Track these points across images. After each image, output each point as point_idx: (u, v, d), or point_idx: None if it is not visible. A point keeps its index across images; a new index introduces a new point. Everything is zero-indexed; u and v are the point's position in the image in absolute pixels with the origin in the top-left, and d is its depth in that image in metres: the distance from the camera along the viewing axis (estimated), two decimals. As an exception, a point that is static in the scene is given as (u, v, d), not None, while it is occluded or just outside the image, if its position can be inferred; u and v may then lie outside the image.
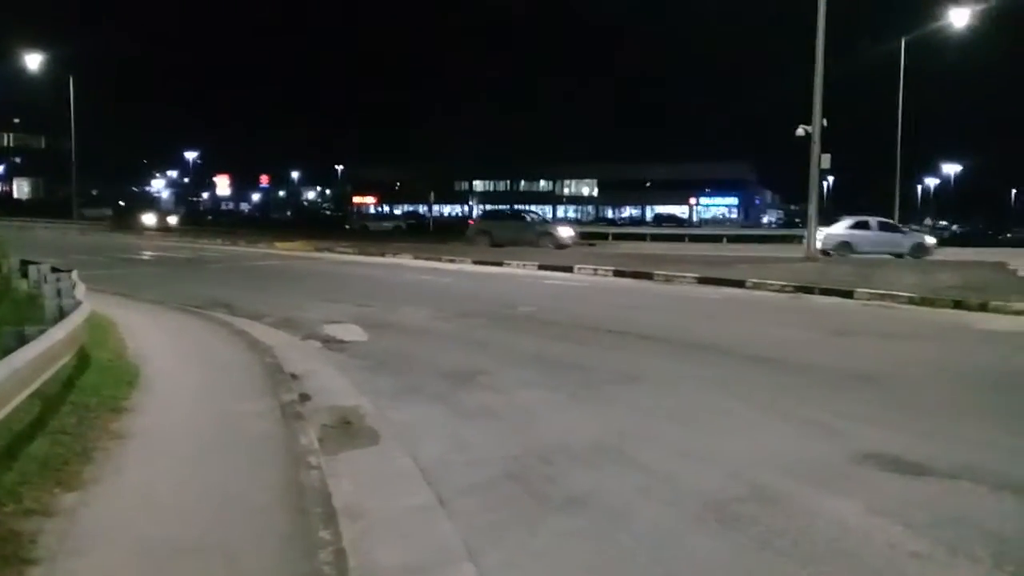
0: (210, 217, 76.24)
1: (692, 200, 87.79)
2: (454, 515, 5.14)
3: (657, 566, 4.48)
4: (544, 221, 41.89)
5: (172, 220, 55.84)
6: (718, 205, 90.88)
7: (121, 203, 77.09)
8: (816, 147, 26.72)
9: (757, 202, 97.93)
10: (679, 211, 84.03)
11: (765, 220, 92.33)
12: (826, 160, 27.59)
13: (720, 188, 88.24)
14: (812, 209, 27.67)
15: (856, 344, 12.16)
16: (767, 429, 7.31)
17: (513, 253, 29.29)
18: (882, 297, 17.20)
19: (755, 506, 5.30)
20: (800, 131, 27.05)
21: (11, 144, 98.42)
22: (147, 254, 30.67)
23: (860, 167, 77.71)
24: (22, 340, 6.62)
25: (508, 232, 36.01)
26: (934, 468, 6.12)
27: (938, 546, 4.70)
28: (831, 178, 78.43)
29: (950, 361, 11.06)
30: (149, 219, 54.09)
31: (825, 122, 26.77)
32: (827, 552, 4.65)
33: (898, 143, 47.70)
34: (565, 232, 37.39)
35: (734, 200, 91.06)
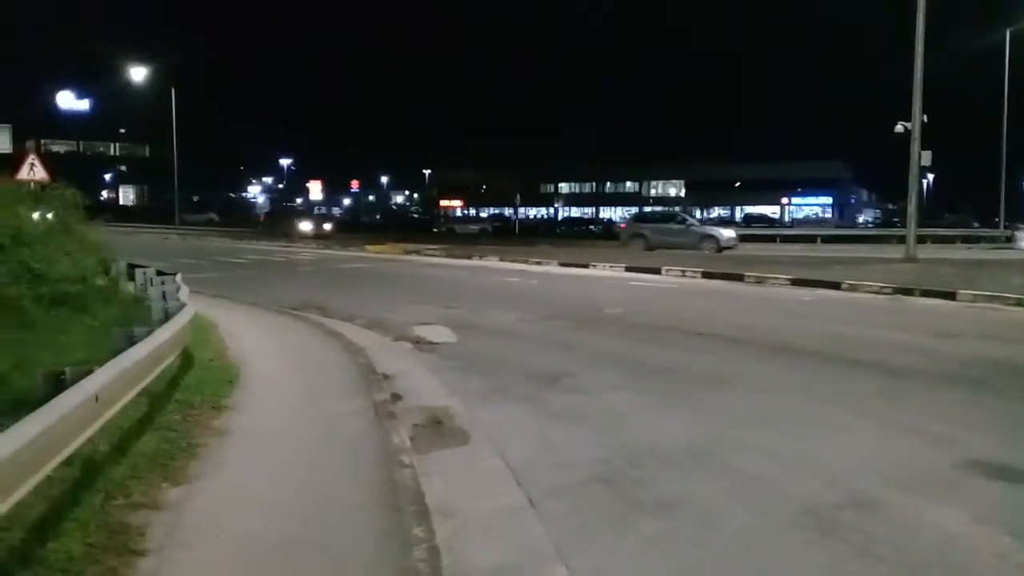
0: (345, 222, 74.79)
1: (784, 200, 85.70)
2: (544, 516, 5.15)
3: (751, 571, 4.40)
4: (701, 222, 39.72)
5: (327, 227, 53.59)
6: (811, 204, 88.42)
7: (271, 213, 76.63)
8: (916, 144, 25.71)
9: (852, 201, 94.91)
10: (770, 211, 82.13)
11: (861, 219, 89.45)
12: (927, 157, 26.54)
13: (813, 187, 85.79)
14: (912, 208, 26.65)
15: (959, 347, 11.66)
16: (866, 435, 7.09)
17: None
18: (988, 299, 16.46)
19: (854, 513, 5.14)
20: (899, 127, 26.10)
21: (117, 153, 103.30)
22: (244, 258, 31.70)
23: (963, 164, 74.68)
24: (131, 341, 6.94)
25: (665, 236, 33.65)
26: (1046, 477, 5.84)
27: (1051, 559, 4.48)
28: (931, 176, 75.41)
29: (1063, 366, 10.50)
30: (305, 226, 51.78)
31: (925, 118, 25.76)
32: (931, 562, 4.49)
33: (1003, 138, 45.65)
34: (727, 234, 34.88)
35: (828, 199, 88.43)
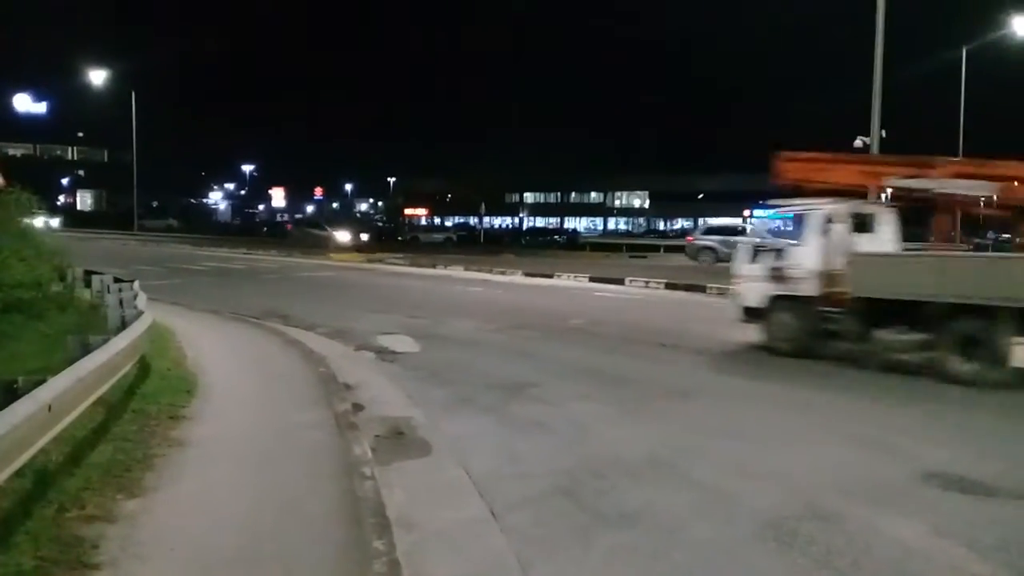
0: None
1: (746, 212, 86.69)
2: (506, 528, 5.13)
3: (712, 584, 4.41)
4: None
5: (364, 237, 48.90)
6: (774, 216, 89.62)
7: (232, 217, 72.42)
8: (874, 158, 26.18)
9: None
10: (733, 222, 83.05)
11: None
12: (885, 171, 27.02)
13: (776, 198, 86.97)
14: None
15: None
16: (825, 447, 7.17)
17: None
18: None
19: (814, 525, 5.19)
20: (858, 142, 26.55)
21: (75, 157, 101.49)
22: (205, 265, 31.26)
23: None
24: (86, 349, 6.80)
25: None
26: (1000, 488, 5.94)
27: (1004, 569, 4.56)
28: (890, 189, 76.74)
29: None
30: (342, 236, 45.99)
31: (884, 133, 26.21)
32: (888, 573, 4.54)
33: (960, 154, 46.61)
34: None
35: (789, 212, 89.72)
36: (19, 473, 4.70)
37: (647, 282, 23.68)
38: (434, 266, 30.66)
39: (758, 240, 13.62)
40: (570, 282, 25.18)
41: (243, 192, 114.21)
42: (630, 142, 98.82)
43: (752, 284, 12.67)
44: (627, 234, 77.80)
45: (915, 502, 5.70)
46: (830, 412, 8.41)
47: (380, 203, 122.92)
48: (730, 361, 11.36)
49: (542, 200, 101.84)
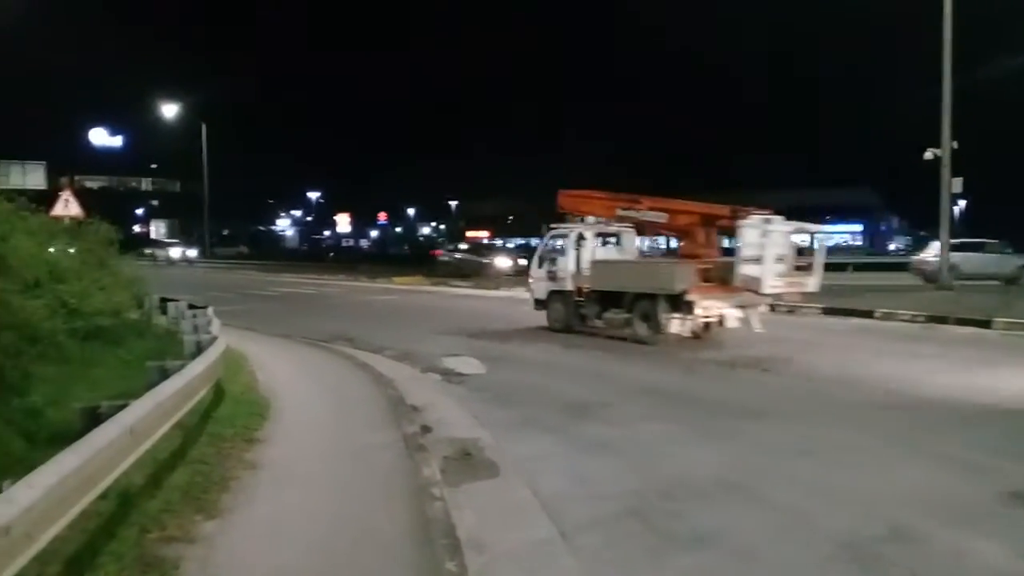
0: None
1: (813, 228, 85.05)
2: (576, 550, 5.10)
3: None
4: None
5: (523, 262, 42.58)
6: (841, 232, 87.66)
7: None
8: (946, 170, 25.44)
9: (883, 229, 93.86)
10: (799, 240, 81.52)
11: (892, 247, 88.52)
12: (957, 184, 26.22)
13: (842, 215, 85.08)
14: (944, 235, 26.26)
15: (997, 376, 11.46)
16: (904, 466, 6.96)
17: None
18: (1024, 326, 16.16)
19: (894, 547, 5.04)
20: (928, 154, 25.84)
21: (149, 188, 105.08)
22: (274, 291, 31.94)
23: (997, 189, 73.77)
24: (165, 374, 7.01)
25: (978, 266, 27.81)
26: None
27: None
28: (963, 202, 74.52)
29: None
30: (502, 262, 41.79)
31: (956, 144, 25.50)
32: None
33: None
34: None
35: (858, 227, 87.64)
36: (103, 495, 4.85)
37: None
38: (498, 288, 30.77)
39: (542, 251, 18.62)
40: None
41: (309, 218, 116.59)
42: (692, 159, 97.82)
43: (539, 283, 17.97)
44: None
45: (999, 522, 5.50)
46: (908, 429, 8.16)
47: (442, 226, 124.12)
48: (800, 379, 11.11)
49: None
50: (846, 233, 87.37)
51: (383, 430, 8.18)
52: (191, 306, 14.35)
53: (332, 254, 74.37)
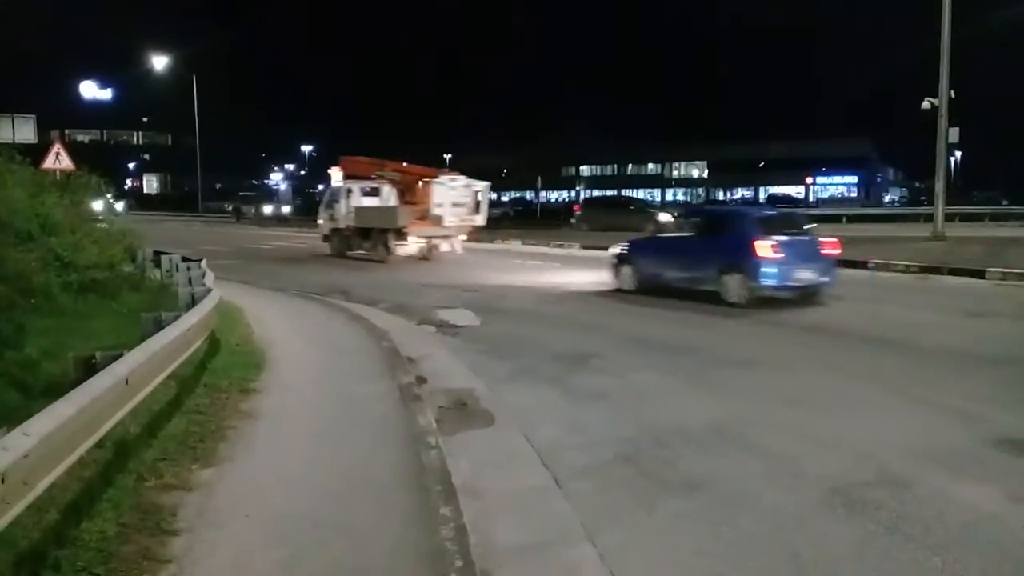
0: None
1: (808, 179, 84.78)
2: (570, 496, 5.16)
3: (780, 549, 4.38)
4: None
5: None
6: (836, 184, 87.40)
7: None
8: (943, 120, 25.32)
9: (879, 180, 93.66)
10: (794, 191, 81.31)
11: (887, 199, 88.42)
12: (954, 134, 26.16)
13: (839, 166, 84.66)
14: (940, 186, 26.24)
15: (989, 325, 11.54)
16: (895, 413, 7.03)
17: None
18: (1018, 277, 16.22)
19: (884, 491, 5.11)
20: (926, 104, 25.67)
21: (140, 142, 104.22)
22: (268, 244, 31.84)
23: (993, 140, 73.53)
24: (159, 325, 7.01)
25: None
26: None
27: (1086, 537, 4.43)
28: (959, 153, 74.24)
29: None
30: (665, 217, 32.65)
31: (953, 93, 25.33)
32: (960, 538, 4.45)
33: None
34: None
35: (854, 179, 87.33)
36: (99, 444, 4.88)
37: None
38: (491, 241, 30.71)
39: (326, 201, 27.02)
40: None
41: (303, 173, 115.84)
42: (688, 111, 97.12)
43: (324, 223, 26.56)
44: (685, 205, 76.71)
45: (987, 467, 5.57)
46: (895, 377, 8.23)
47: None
48: (793, 329, 11.17)
49: (599, 173, 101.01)
50: (841, 185, 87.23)
51: (378, 380, 8.22)
52: (184, 259, 14.31)
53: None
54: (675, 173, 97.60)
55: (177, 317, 7.39)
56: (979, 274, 16.77)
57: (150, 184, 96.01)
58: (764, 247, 13.01)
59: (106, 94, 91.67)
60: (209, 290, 9.48)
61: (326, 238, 26.41)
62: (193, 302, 8.96)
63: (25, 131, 21.12)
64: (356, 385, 8.07)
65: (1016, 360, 9.05)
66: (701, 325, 11.74)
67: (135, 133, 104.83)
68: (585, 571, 4.22)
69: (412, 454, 5.82)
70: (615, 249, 15.98)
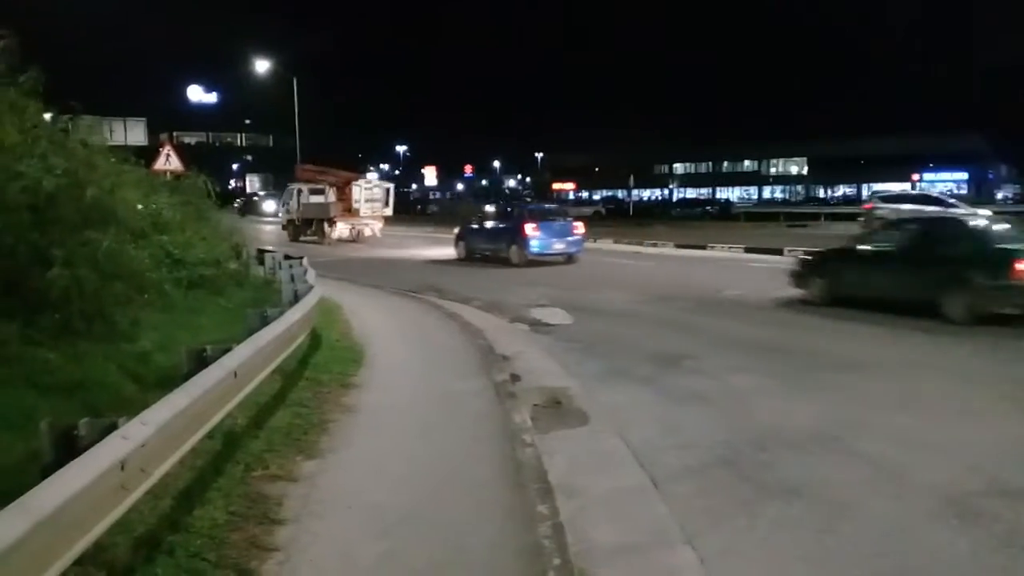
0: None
1: (915, 176, 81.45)
2: (668, 498, 5.10)
3: (885, 559, 4.23)
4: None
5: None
6: (945, 181, 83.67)
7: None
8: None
9: (991, 177, 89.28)
10: (900, 188, 78.29)
11: (1000, 196, 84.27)
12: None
13: (947, 162, 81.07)
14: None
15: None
16: (1011, 420, 6.70)
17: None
18: None
19: (997, 501, 4.88)
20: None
21: (243, 143, 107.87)
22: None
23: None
24: (264, 321, 7.23)
25: None
26: None
27: None
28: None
29: None
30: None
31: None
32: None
33: None
34: None
35: (963, 175, 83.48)
36: (209, 435, 5.08)
37: (806, 251, 22.73)
38: (594, 240, 30.57)
39: (283, 198, 34.98)
40: (724, 253, 24.59)
41: (397, 172, 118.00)
42: (788, 107, 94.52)
43: (284, 215, 34.59)
44: (784, 203, 74.74)
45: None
46: (1015, 383, 7.83)
47: (528, 179, 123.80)
48: (900, 330, 10.73)
49: (692, 171, 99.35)
50: (950, 182, 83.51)
51: (474, 377, 8.30)
52: (287, 257, 14.73)
53: (419, 207, 75.00)
54: (772, 170, 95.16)
55: (281, 313, 7.61)
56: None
57: (253, 184, 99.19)
58: (529, 228, 21.17)
59: (211, 97, 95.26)
60: (311, 287, 9.74)
61: (284, 227, 34.27)
62: (296, 299, 9.22)
63: (137, 133, 22.12)
64: (452, 382, 8.17)
65: None
66: (794, 326, 11.42)
67: (239, 135, 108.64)
68: (685, 575, 4.16)
69: (508, 451, 5.86)
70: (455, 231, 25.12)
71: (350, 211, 31.51)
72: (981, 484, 5.20)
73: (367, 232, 31.99)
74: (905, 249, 12.63)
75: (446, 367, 8.96)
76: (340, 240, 30.95)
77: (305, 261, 12.95)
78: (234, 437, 5.66)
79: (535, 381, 8.29)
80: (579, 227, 22.51)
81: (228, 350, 5.64)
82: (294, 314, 7.77)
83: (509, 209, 25.65)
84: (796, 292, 13.74)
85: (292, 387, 7.24)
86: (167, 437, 4.12)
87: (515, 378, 8.35)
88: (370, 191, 32.61)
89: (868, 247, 13.48)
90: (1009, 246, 11.56)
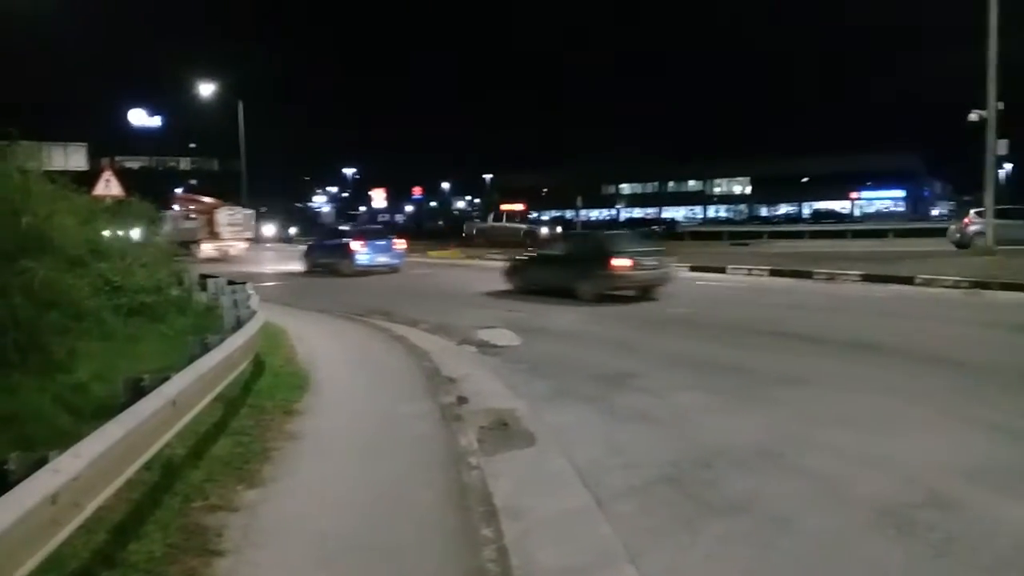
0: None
1: (853, 194, 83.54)
2: (613, 518, 5.12)
3: (825, 572, 4.31)
4: None
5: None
6: (882, 199, 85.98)
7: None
8: (991, 132, 24.85)
9: (926, 194, 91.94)
10: (839, 206, 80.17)
11: (935, 213, 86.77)
12: (1003, 146, 25.61)
13: (884, 180, 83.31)
14: (989, 199, 25.71)
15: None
16: (944, 432, 6.88)
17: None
18: (1072, 291, 15.79)
19: (933, 512, 5.00)
20: (973, 116, 25.21)
21: (188, 167, 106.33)
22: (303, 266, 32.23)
23: (1043, 152, 71.83)
24: (205, 348, 7.11)
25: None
26: None
27: None
28: (1008, 166, 72.56)
29: None
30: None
31: (1001, 105, 24.85)
32: (1012, 560, 4.35)
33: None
34: None
35: (900, 193, 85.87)
36: (147, 466, 4.97)
37: (750, 269, 23.17)
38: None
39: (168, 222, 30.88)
40: (670, 272, 24.86)
41: (345, 195, 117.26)
42: (731, 128, 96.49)
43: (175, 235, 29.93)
44: (728, 222, 76.04)
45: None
46: (948, 395, 8.06)
47: (477, 200, 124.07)
48: (840, 347, 10.99)
49: (639, 190, 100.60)
50: (887, 199, 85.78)
51: (420, 401, 8.26)
52: (230, 282, 14.53)
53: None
54: (717, 190, 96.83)
55: (223, 339, 7.50)
56: (1031, 288, 16.35)
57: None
58: (355, 245, 26.12)
59: (155, 121, 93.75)
60: (254, 312, 9.62)
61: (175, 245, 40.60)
62: (239, 324, 9.10)
63: (77, 159, 21.69)
64: (398, 405, 8.12)
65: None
66: (739, 343, 11.62)
67: (183, 159, 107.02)
68: (628, 594, 4.19)
69: (453, 474, 5.84)
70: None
71: (214, 234, 36.81)
72: (917, 496, 5.32)
73: (232, 251, 36.83)
74: (561, 254, 19.01)
75: (392, 391, 8.91)
76: (208, 258, 34.15)
77: (248, 287, 12.77)
78: (173, 468, 5.54)
79: (482, 403, 8.28)
80: (400, 244, 28.09)
81: (167, 379, 5.54)
82: (236, 340, 7.66)
83: (342, 229, 31.26)
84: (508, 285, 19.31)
85: (234, 415, 7.13)
86: (102, 470, 4.02)
87: (462, 400, 8.33)
88: (232, 216, 37.94)
89: (543, 253, 20.01)
90: (612, 248, 17.32)
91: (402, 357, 10.92)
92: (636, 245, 18.26)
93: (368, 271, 25.39)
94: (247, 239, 38.90)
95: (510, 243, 37.24)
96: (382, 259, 26.33)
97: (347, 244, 26.30)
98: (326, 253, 27.34)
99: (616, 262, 16.50)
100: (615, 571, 4.41)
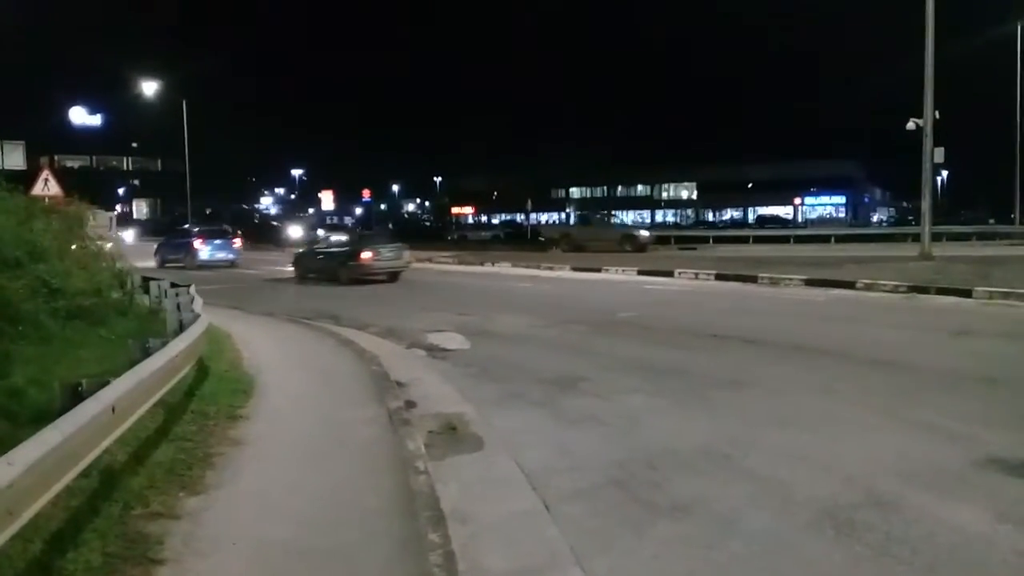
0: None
1: (797, 200, 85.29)
2: (560, 520, 5.15)
3: (768, 573, 4.38)
4: None
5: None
6: (824, 205, 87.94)
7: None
8: (928, 140, 25.58)
9: (866, 200, 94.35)
10: (783, 212, 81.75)
11: (875, 219, 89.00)
12: (939, 154, 26.40)
13: (826, 187, 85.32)
14: (926, 205, 26.48)
15: (976, 345, 11.59)
16: (883, 434, 7.04)
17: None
18: (1004, 296, 16.32)
19: (872, 513, 5.12)
20: (911, 124, 25.93)
21: (130, 167, 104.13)
22: (258, 268, 31.78)
23: (979, 160, 74.23)
24: (146, 352, 6.97)
25: None
26: (1067, 473, 5.79)
27: (1074, 556, 4.44)
28: (945, 173, 74.79)
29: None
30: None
31: (937, 114, 25.59)
32: (949, 560, 4.46)
33: (1018, 132, 45.31)
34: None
35: (841, 199, 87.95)
36: (85, 473, 4.84)
37: (696, 274, 23.50)
38: (482, 264, 30.79)
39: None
40: (619, 276, 25.11)
41: (293, 196, 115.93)
42: (677, 133, 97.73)
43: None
44: (675, 226, 77.05)
45: (974, 487, 5.58)
46: (887, 397, 8.26)
47: (427, 203, 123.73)
48: (783, 350, 11.20)
49: (588, 195, 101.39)
50: (829, 205, 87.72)
51: (368, 405, 8.20)
52: (173, 285, 14.26)
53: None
54: (664, 195, 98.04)
55: (165, 343, 7.36)
56: (966, 293, 16.85)
57: (140, 210, 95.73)
58: (197, 243, 32.15)
59: (96, 120, 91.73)
60: (197, 316, 9.45)
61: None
62: (181, 328, 8.94)
63: (14, 157, 21.12)
64: (345, 410, 8.05)
65: (1004, 380, 9.08)
66: (685, 346, 11.78)
67: (125, 159, 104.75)
68: (574, 596, 4.21)
69: (401, 480, 5.80)
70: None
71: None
72: (857, 497, 5.44)
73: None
74: (331, 250, 24.87)
75: (339, 395, 8.83)
76: None
77: (192, 289, 12.55)
78: (113, 474, 5.41)
79: (430, 407, 8.25)
80: (237, 242, 34.16)
81: (106, 383, 5.41)
82: (179, 344, 7.51)
83: (184, 230, 36.18)
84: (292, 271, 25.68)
85: (176, 420, 6.99)
86: (37, 477, 3.90)
87: (410, 404, 8.29)
88: (96, 220, 41.29)
89: (317, 248, 26.19)
90: (361, 245, 24.03)
91: (350, 361, 10.83)
92: (380, 243, 24.85)
93: (207, 265, 31.00)
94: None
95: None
96: (220, 255, 32.44)
97: (191, 242, 32.48)
98: (173, 250, 33.11)
99: (364, 255, 23.11)
100: (562, 573, 4.43)
